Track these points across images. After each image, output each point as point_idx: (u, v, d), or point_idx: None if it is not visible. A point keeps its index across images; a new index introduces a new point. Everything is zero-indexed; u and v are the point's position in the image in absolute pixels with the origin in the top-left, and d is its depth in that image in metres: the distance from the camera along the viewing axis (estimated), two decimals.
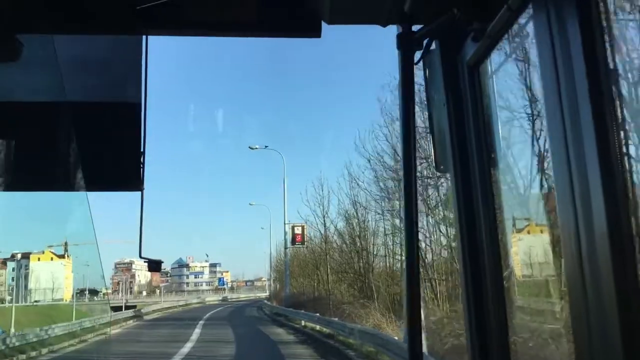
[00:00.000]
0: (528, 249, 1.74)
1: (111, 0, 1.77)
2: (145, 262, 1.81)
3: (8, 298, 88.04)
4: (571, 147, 0.99)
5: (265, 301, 57.98)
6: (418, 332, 1.43)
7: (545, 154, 1.26)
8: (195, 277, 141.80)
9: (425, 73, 1.65)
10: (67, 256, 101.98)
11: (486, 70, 1.50)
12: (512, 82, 1.50)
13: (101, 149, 1.94)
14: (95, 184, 1.91)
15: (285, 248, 43.88)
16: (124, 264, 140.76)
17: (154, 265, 1.84)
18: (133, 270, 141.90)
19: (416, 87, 1.51)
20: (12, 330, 31.39)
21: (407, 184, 1.46)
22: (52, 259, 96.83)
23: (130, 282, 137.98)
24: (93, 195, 1.96)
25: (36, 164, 1.95)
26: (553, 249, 1.49)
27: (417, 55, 1.57)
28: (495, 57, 1.47)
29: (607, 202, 0.90)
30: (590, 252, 0.94)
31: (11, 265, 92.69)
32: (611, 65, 0.97)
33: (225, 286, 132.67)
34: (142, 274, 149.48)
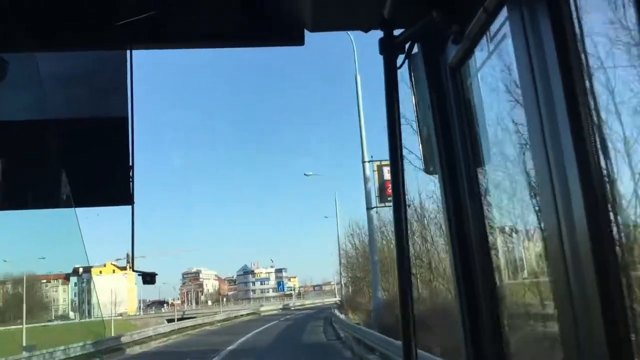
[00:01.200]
0: (516, 247, 1.76)
1: (93, 17, 1.80)
2: (138, 275, 1.83)
3: (72, 315, 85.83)
4: (549, 145, 1.00)
5: (335, 311, 40.49)
6: (412, 330, 1.44)
7: (527, 152, 1.28)
8: (261, 284, 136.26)
9: (410, 76, 1.65)
10: (130, 268, 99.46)
11: (468, 71, 1.52)
12: (494, 82, 1.52)
13: (89, 164, 1.94)
14: (85, 199, 1.91)
15: (369, 209, 22.98)
16: (191, 273, 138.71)
17: (148, 278, 1.86)
18: (200, 280, 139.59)
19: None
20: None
21: (395, 184, 1.45)
22: (114, 271, 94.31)
23: (199, 291, 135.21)
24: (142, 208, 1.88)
25: (24, 182, 1.95)
26: (540, 248, 1.51)
27: (402, 58, 1.58)
28: (476, 58, 1.50)
29: (585, 199, 0.92)
30: (572, 249, 0.96)
31: (73, 280, 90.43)
32: (584, 62, 0.99)
33: (292, 291, 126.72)
34: (210, 283, 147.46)
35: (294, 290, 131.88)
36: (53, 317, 78.95)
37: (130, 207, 1.81)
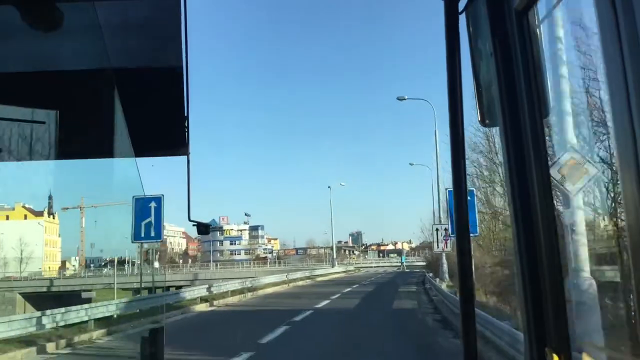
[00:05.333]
0: (582, 201, 1.64)
1: None
2: (194, 225, 1.87)
3: None
4: (633, 95, 0.85)
5: None
6: (470, 290, 1.45)
7: (599, 99, 1.28)
8: (231, 244, 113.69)
9: (469, 22, 1.58)
10: (52, 215, 75.97)
11: (535, 16, 1.46)
12: (563, 28, 1.54)
13: (146, 114, 1.96)
14: (142, 149, 1.95)
15: None
16: None
17: (202, 228, 1.92)
18: (164, 236, 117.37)
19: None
20: None
21: (454, 136, 1.46)
22: (25, 216, 71.07)
23: (162, 251, 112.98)
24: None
25: (82, 132, 2.00)
26: (611, 201, 1.54)
27: (463, 3, 1.54)
28: (545, 2, 1.46)
29: None
30: None
31: None
32: None
33: (269, 254, 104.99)
34: (176, 241, 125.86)
35: (272, 253, 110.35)
36: None
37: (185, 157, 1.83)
